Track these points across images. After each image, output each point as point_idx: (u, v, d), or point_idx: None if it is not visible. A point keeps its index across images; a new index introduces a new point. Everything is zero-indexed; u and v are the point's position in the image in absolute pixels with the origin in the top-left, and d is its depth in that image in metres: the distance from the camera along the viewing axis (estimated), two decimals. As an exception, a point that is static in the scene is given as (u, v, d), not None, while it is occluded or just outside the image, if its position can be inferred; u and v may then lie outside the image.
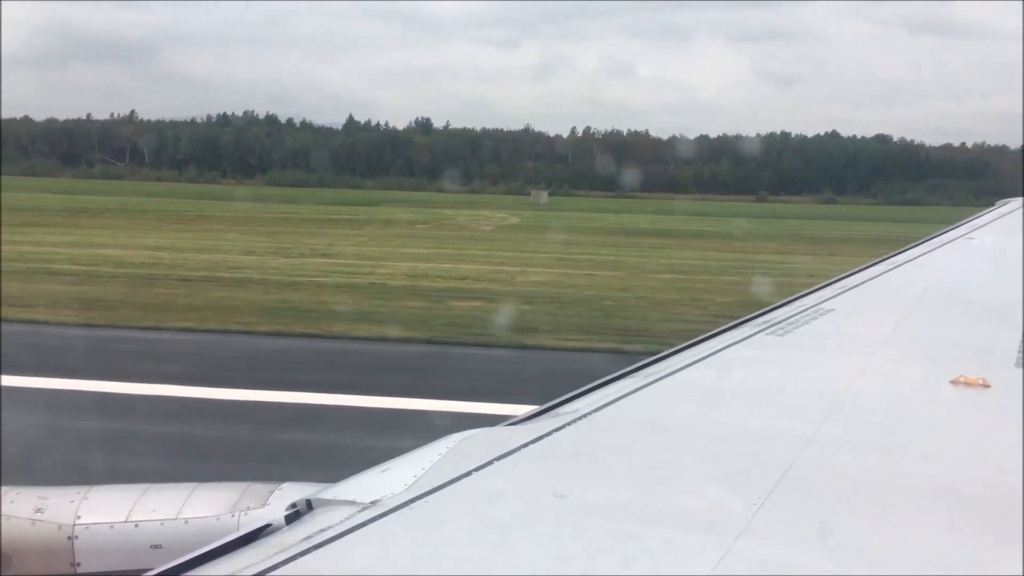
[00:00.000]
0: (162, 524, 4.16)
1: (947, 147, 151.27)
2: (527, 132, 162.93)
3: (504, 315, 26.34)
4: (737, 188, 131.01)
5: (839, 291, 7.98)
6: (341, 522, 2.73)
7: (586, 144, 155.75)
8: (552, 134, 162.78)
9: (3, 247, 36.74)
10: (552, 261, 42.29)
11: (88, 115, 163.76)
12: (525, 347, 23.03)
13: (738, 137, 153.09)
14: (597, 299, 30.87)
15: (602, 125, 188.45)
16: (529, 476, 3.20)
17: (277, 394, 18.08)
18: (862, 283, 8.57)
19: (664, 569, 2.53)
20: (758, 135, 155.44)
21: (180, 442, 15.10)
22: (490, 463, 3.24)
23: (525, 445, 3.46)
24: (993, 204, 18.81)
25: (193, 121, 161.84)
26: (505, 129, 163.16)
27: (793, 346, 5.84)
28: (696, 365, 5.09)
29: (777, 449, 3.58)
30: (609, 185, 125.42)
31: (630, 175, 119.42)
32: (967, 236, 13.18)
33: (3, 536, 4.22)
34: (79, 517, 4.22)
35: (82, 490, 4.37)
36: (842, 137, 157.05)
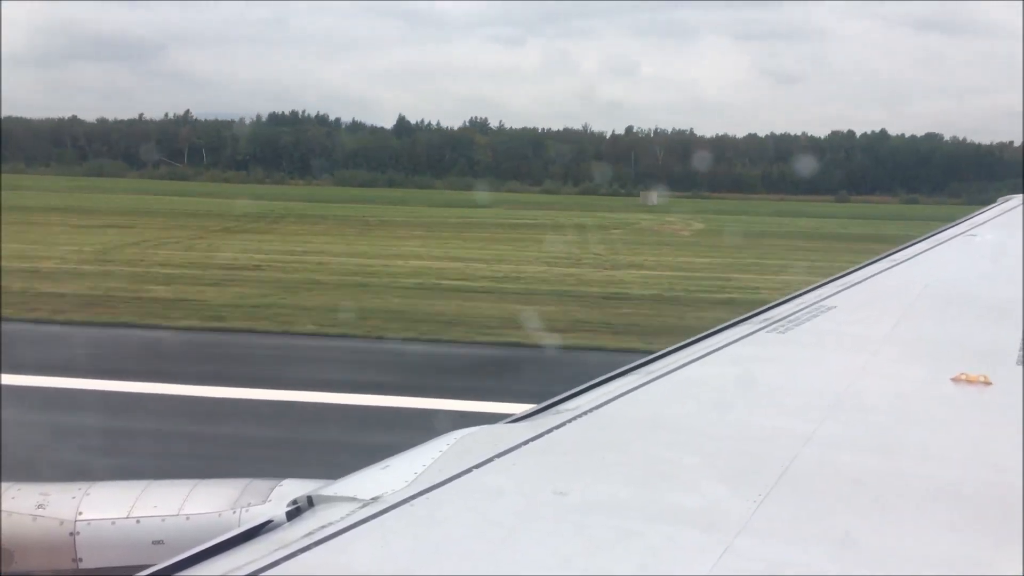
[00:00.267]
0: (163, 520, 4.17)
1: (1005, 145, 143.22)
2: (585, 132, 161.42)
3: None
4: (807, 188, 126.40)
5: (840, 288, 7.98)
6: (342, 519, 2.73)
7: (643, 144, 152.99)
8: (607, 133, 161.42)
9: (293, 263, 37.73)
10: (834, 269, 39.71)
11: (140, 115, 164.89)
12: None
13: (805, 136, 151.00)
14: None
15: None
16: (529, 473, 3.21)
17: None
18: (863, 280, 8.56)
19: (664, 567, 2.53)
20: (830, 134, 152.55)
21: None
22: (490, 460, 3.24)
23: (525, 442, 3.47)
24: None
25: (240, 121, 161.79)
26: (561, 128, 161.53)
27: (794, 343, 5.83)
28: (697, 362, 5.09)
29: (778, 447, 3.58)
30: (681, 185, 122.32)
31: (700, 174, 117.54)
32: (968, 233, 13.17)
33: (4, 532, 4.23)
34: (80, 513, 4.23)
35: (83, 486, 4.38)
36: (891, 136, 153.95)
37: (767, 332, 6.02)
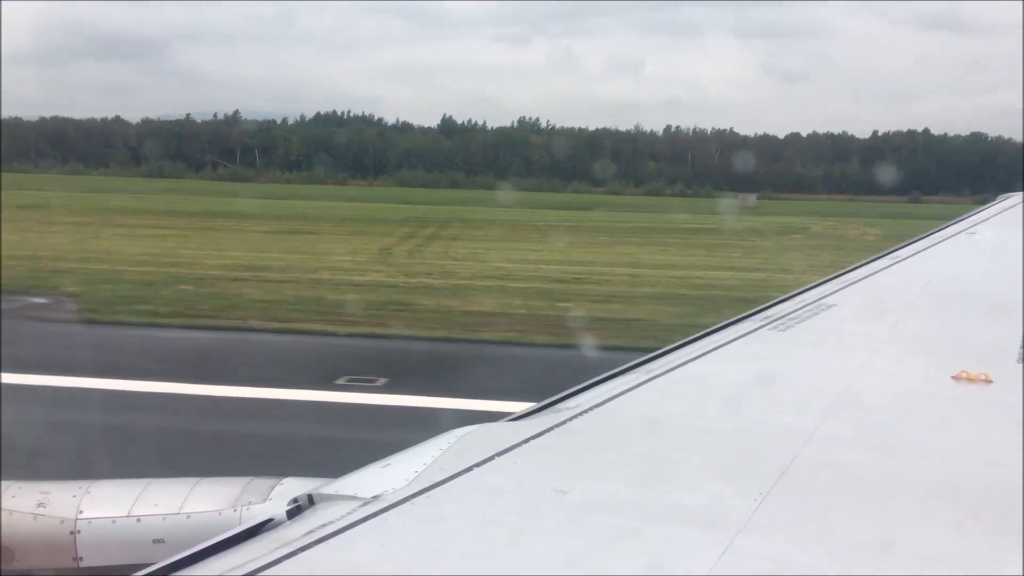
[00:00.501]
0: (164, 519, 4.17)
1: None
2: (638, 131, 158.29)
3: None
4: (869, 189, 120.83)
5: (840, 286, 7.98)
6: (342, 517, 2.73)
7: (698, 142, 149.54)
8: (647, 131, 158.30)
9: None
10: None
11: (187, 115, 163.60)
12: None
13: (875, 135, 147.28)
14: None
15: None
16: (530, 472, 3.21)
17: None
18: (863, 278, 8.56)
19: (665, 565, 2.53)
20: (894, 132, 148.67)
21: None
22: (491, 459, 3.24)
23: (526, 441, 3.47)
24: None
25: (284, 121, 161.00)
26: (613, 128, 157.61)
27: (794, 342, 5.83)
28: (697, 361, 5.08)
29: (778, 445, 3.58)
30: (740, 185, 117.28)
31: (761, 174, 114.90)
32: (968, 231, 13.16)
33: (5, 531, 4.23)
34: (81, 512, 4.23)
35: (84, 484, 4.38)
36: (933, 135, 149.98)
37: (768, 330, 6.02)
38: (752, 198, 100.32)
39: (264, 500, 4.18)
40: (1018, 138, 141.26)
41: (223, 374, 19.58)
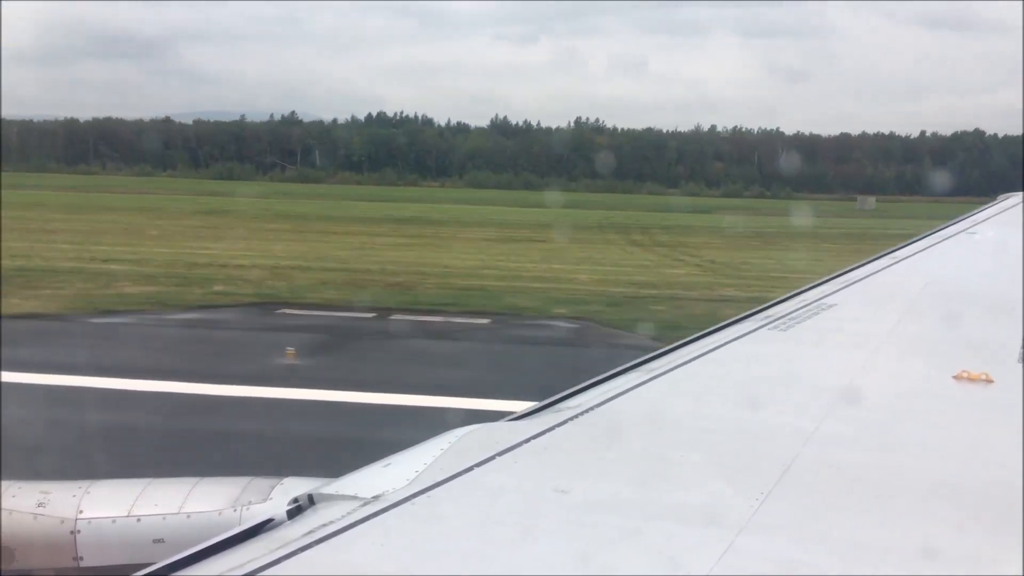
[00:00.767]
0: (164, 519, 4.17)
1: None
2: (697, 131, 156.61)
3: None
4: (943, 190, 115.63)
5: (841, 286, 7.97)
6: (343, 517, 2.73)
7: (765, 142, 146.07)
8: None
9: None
10: None
11: (243, 116, 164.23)
12: None
13: (934, 135, 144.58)
14: None
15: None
16: (530, 471, 3.20)
17: None
18: (864, 278, 8.56)
19: (666, 565, 2.53)
20: (956, 133, 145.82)
21: None
22: (492, 458, 3.24)
23: (527, 440, 3.46)
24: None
25: (333, 122, 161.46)
26: (673, 130, 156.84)
27: (795, 341, 5.83)
28: (697, 360, 5.08)
29: (779, 445, 3.58)
30: (809, 187, 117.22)
31: (826, 176, 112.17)
32: (968, 231, 13.17)
33: (5, 530, 4.23)
34: (81, 511, 4.23)
35: (84, 484, 4.38)
36: (986, 135, 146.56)
37: (768, 330, 6.02)
38: (871, 200, 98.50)
39: (264, 500, 4.18)
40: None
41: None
